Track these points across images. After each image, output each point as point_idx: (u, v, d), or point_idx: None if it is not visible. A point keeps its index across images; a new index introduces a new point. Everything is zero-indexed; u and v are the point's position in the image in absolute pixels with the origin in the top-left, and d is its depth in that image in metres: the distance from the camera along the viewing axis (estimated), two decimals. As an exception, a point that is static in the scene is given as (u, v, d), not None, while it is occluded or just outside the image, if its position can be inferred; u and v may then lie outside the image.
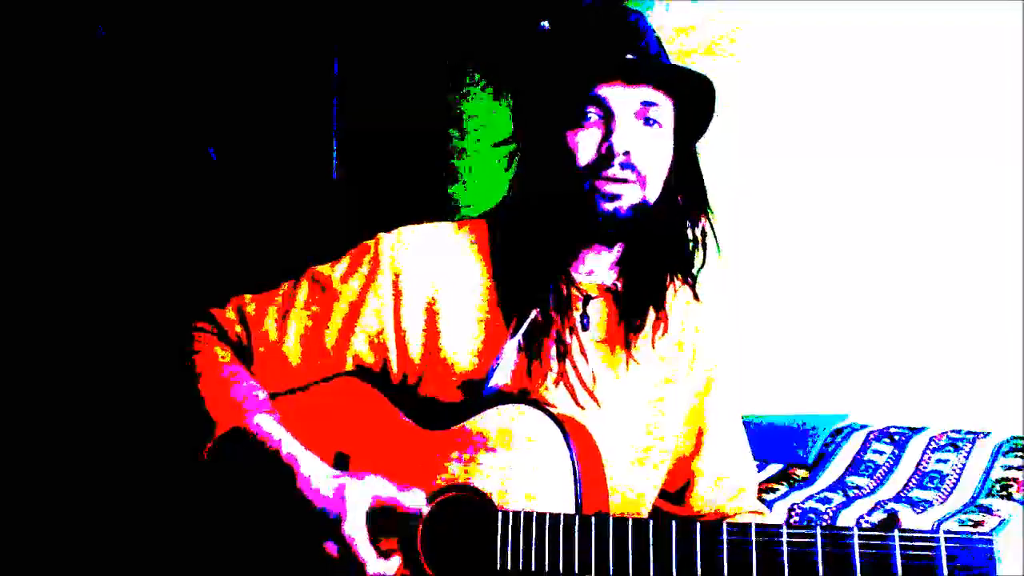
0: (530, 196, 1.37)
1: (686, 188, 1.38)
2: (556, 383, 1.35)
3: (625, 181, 1.29)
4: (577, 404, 1.35)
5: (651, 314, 1.39)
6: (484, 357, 1.35)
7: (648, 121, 1.31)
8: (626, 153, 1.29)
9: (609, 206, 1.30)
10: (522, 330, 1.33)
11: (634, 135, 1.30)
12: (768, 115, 3.15)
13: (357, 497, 1.24)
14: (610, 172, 1.28)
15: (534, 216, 1.35)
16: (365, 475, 1.26)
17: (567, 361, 1.35)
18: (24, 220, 2.94)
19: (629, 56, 1.29)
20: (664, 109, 1.32)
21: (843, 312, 3.01)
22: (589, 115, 1.30)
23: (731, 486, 1.48)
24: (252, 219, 3.41)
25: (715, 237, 1.40)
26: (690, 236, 1.40)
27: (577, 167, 1.30)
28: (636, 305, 1.39)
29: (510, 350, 1.33)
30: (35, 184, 2.97)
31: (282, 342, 1.37)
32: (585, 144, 1.30)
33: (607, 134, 1.29)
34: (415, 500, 1.26)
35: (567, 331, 1.35)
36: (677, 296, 1.45)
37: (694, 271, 1.42)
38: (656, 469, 1.43)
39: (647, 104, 1.30)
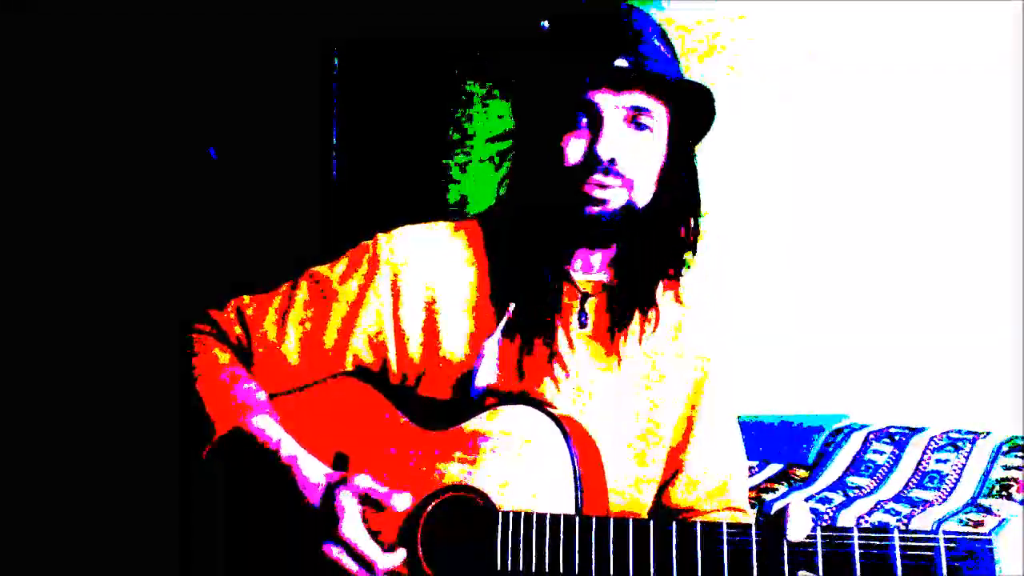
0: (520, 194, 1.38)
1: (679, 190, 1.38)
2: (542, 379, 1.35)
3: (610, 186, 1.30)
4: (556, 390, 1.35)
5: (637, 312, 1.39)
6: (473, 352, 1.35)
7: (640, 126, 1.31)
8: (611, 160, 1.29)
9: (594, 209, 1.31)
10: (501, 326, 1.34)
11: (621, 141, 1.29)
12: (767, 114, 3.15)
13: (350, 497, 1.24)
14: (595, 178, 1.29)
15: (522, 214, 1.36)
16: (357, 475, 1.26)
17: (553, 352, 1.35)
18: (23, 221, 2.94)
19: (620, 62, 1.28)
20: (657, 113, 1.32)
21: (843, 312, 3.00)
22: (580, 119, 1.30)
23: (711, 483, 1.47)
24: (252, 219, 3.41)
25: (695, 239, 1.40)
26: (682, 236, 1.40)
27: (564, 170, 1.30)
28: (624, 303, 1.39)
29: (491, 346, 1.34)
30: (34, 185, 2.97)
31: (281, 343, 1.37)
32: (574, 149, 1.30)
33: (594, 140, 1.29)
34: (403, 502, 1.24)
35: (556, 327, 1.36)
36: (667, 294, 1.45)
37: (684, 271, 1.42)
38: (655, 464, 1.43)
39: (637, 109, 1.30)
